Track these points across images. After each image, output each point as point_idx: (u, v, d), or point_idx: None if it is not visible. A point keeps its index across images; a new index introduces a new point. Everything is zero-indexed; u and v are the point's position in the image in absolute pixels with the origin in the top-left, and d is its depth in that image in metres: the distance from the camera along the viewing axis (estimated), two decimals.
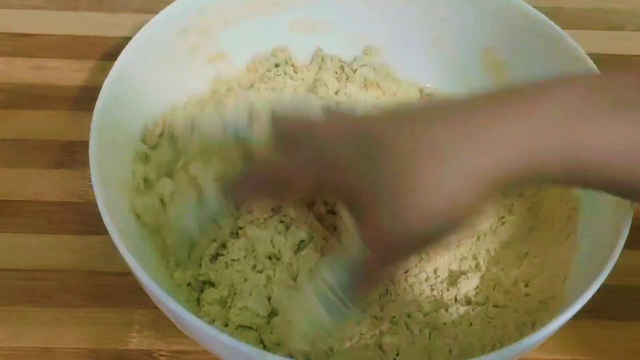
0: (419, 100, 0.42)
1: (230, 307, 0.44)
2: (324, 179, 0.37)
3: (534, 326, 0.44)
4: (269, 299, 0.44)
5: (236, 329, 0.44)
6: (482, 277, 0.47)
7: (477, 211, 0.35)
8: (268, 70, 0.57)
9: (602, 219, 0.46)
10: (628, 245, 0.41)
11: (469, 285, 0.46)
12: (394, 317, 0.45)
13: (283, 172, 0.39)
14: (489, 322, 0.45)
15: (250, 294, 0.44)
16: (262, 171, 0.42)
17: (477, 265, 0.47)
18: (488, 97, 0.36)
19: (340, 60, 0.58)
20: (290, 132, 0.40)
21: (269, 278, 0.45)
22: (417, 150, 0.34)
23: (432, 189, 0.34)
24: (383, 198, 0.35)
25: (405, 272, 0.47)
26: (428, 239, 0.35)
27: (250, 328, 0.44)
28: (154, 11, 0.51)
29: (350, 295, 0.37)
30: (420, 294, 0.46)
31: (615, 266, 0.40)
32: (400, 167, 0.34)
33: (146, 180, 0.48)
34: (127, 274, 0.41)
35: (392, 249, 0.36)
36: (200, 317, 0.41)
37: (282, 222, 0.47)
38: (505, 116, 0.34)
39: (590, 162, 0.34)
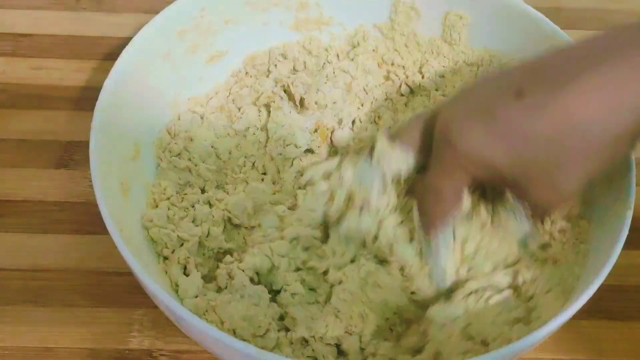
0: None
1: None
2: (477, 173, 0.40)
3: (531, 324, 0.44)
4: None
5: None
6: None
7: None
8: (267, 70, 0.57)
9: (602, 218, 0.46)
10: (628, 245, 0.41)
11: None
12: None
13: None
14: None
15: None
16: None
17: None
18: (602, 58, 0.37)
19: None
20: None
21: None
22: (561, 139, 0.37)
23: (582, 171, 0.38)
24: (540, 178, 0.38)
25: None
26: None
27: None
28: (154, 11, 0.51)
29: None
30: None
31: (615, 266, 0.40)
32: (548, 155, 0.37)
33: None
34: (127, 274, 0.41)
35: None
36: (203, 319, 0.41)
37: None
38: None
39: None
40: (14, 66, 0.61)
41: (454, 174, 0.41)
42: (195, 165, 0.51)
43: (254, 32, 0.56)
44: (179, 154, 0.51)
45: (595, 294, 0.39)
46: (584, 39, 0.38)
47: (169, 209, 0.48)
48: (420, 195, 0.44)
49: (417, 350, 0.44)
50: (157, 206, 0.49)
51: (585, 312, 0.40)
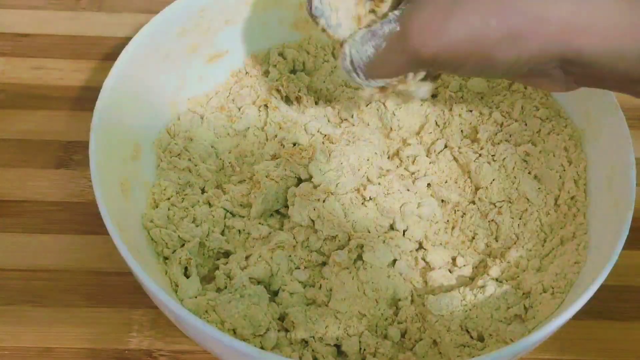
0: None
1: None
2: None
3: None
4: None
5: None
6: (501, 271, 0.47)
7: (514, 68, 0.36)
8: (267, 71, 0.57)
9: (602, 219, 0.46)
10: (628, 245, 0.41)
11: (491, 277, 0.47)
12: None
13: None
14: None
15: None
16: None
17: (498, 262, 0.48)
18: None
19: None
20: None
21: None
22: None
23: (498, 14, 0.34)
24: None
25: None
26: (463, 57, 0.36)
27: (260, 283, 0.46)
28: (154, 11, 0.51)
29: (366, 69, 0.38)
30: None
31: (615, 266, 0.40)
32: None
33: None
34: (127, 274, 0.41)
35: (424, 43, 0.36)
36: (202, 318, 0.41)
37: None
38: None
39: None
40: (14, 66, 0.61)
41: None
42: (195, 166, 0.51)
43: (254, 32, 0.56)
44: (179, 154, 0.51)
45: (595, 294, 0.39)
46: None
47: (169, 209, 0.48)
48: None
49: (416, 341, 0.44)
50: (157, 206, 0.49)
51: (585, 312, 0.40)
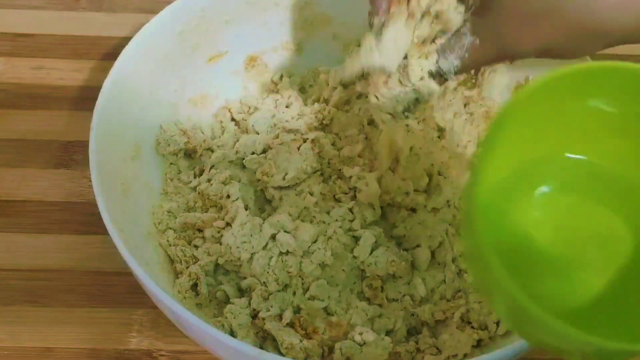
0: None
1: None
2: None
3: None
4: None
5: None
6: None
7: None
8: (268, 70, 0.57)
9: None
10: None
11: None
12: None
13: None
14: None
15: None
16: None
17: None
18: None
19: None
20: None
21: None
22: None
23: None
24: None
25: None
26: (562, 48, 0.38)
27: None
28: (154, 11, 0.51)
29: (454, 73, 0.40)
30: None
31: None
32: None
33: None
34: (127, 274, 0.41)
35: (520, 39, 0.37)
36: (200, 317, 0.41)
37: None
38: None
39: None
40: (14, 66, 0.61)
41: None
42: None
43: (254, 32, 0.56)
44: (179, 155, 0.51)
45: None
46: None
47: (182, 228, 0.49)
48: None
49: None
50: (167, 228, 0.49)
51: None
